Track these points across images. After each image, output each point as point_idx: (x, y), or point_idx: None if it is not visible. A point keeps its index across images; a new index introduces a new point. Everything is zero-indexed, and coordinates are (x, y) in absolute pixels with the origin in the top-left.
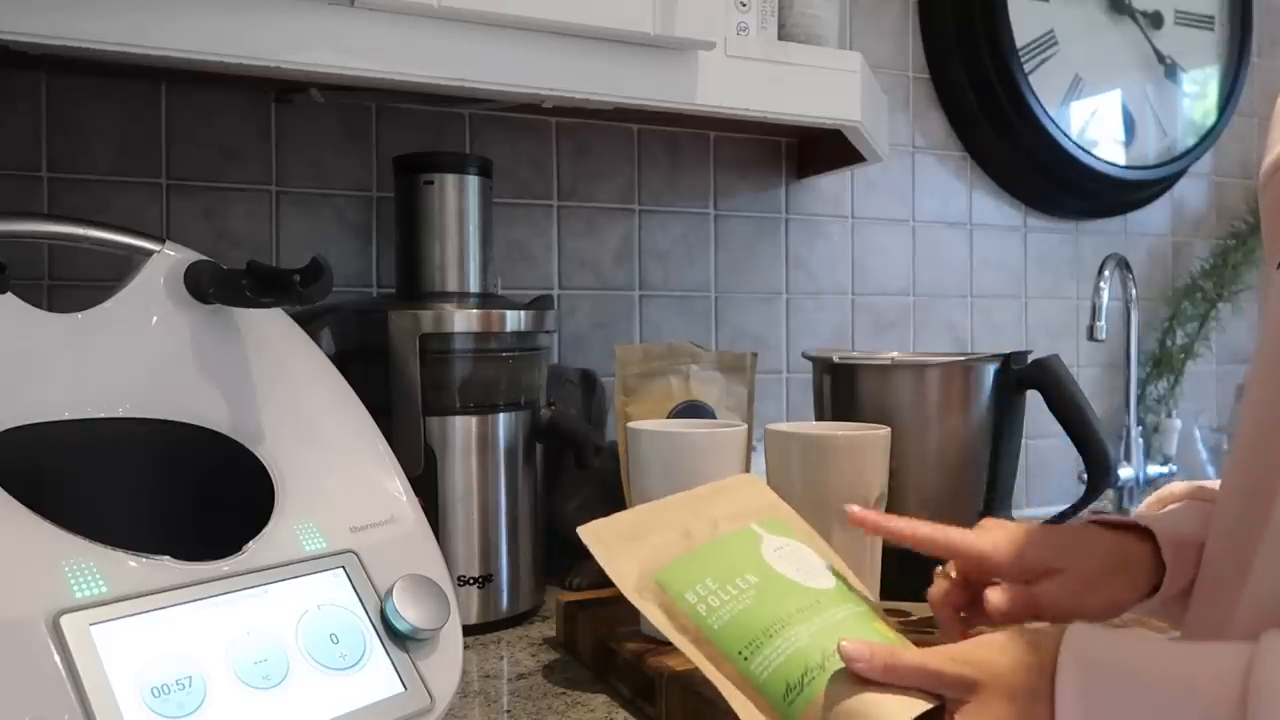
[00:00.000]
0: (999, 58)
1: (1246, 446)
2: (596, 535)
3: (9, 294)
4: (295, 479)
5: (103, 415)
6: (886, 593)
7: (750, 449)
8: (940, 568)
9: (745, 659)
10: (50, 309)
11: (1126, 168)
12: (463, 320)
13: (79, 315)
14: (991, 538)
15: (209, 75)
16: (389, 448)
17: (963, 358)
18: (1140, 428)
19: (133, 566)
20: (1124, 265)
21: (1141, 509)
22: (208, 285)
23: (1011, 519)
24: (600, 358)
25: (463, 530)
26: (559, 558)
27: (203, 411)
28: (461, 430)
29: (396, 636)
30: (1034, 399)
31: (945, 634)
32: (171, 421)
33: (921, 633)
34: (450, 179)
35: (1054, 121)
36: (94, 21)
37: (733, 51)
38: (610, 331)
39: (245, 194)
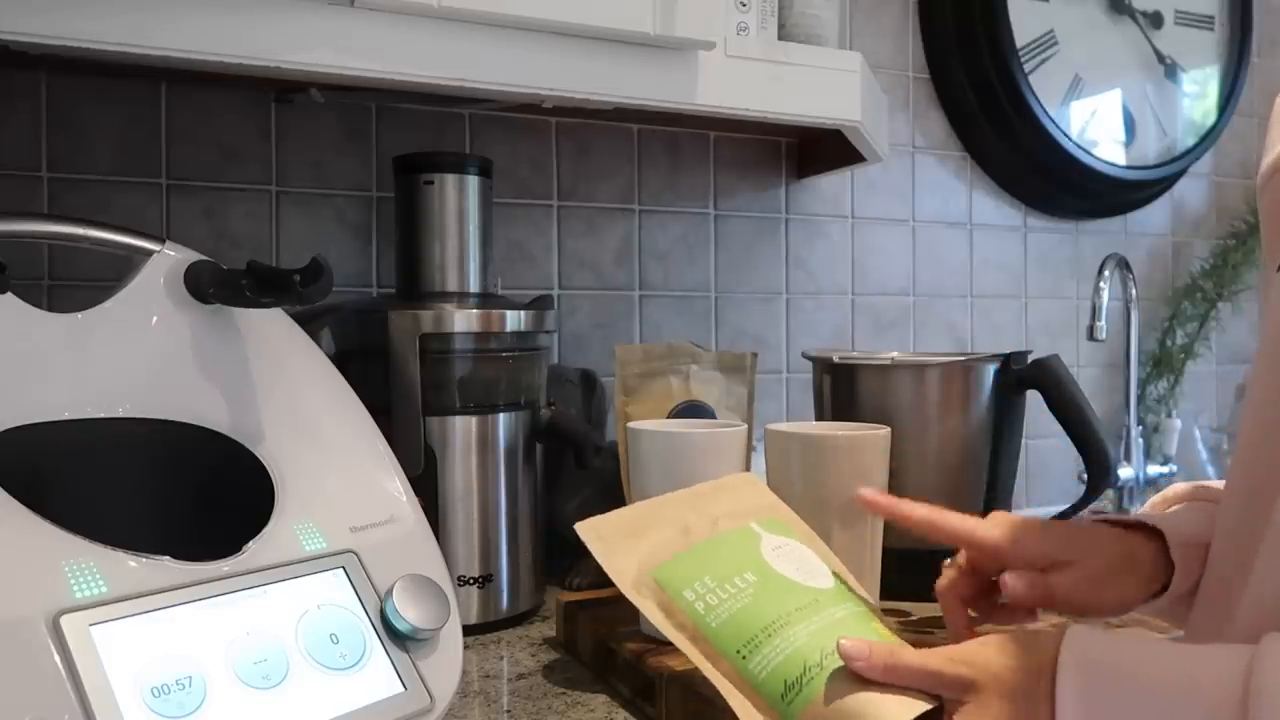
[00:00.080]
0: (999, 58)
1: (1248, 447)
2: (595, 532)
3: (9, 294)
4: (295, 479)
5: (103, 415)
6: (886, 593)
7: (750, 449)
8: (949, 559)
9: (744, 658)
10: (50, 309)
11: (1126, 168)
12: (463, 320)
13: (79, 315)
14: (1002, 529)
15: (209, 75)
16: (389, 448)
17: (963, 358)
18: (1140, 428)
19: (133, 566)
20: (1124, 265)
21: (1145, 509)
22: (208, 285)
23: None
24: (600, 358)
25: (463, 530)
26: (559, 558)
27: (203, 411)
28: (461, 430)
29: (396, 636)
30: (1034, 399)
31: (950, 622)
32: (171, 421)
33: (922, 633)
34: (450, 179)
35: (1054, 121)
36: (94, 21)
37: (733, 51)
38: (610, 331)
39: (245, 194)
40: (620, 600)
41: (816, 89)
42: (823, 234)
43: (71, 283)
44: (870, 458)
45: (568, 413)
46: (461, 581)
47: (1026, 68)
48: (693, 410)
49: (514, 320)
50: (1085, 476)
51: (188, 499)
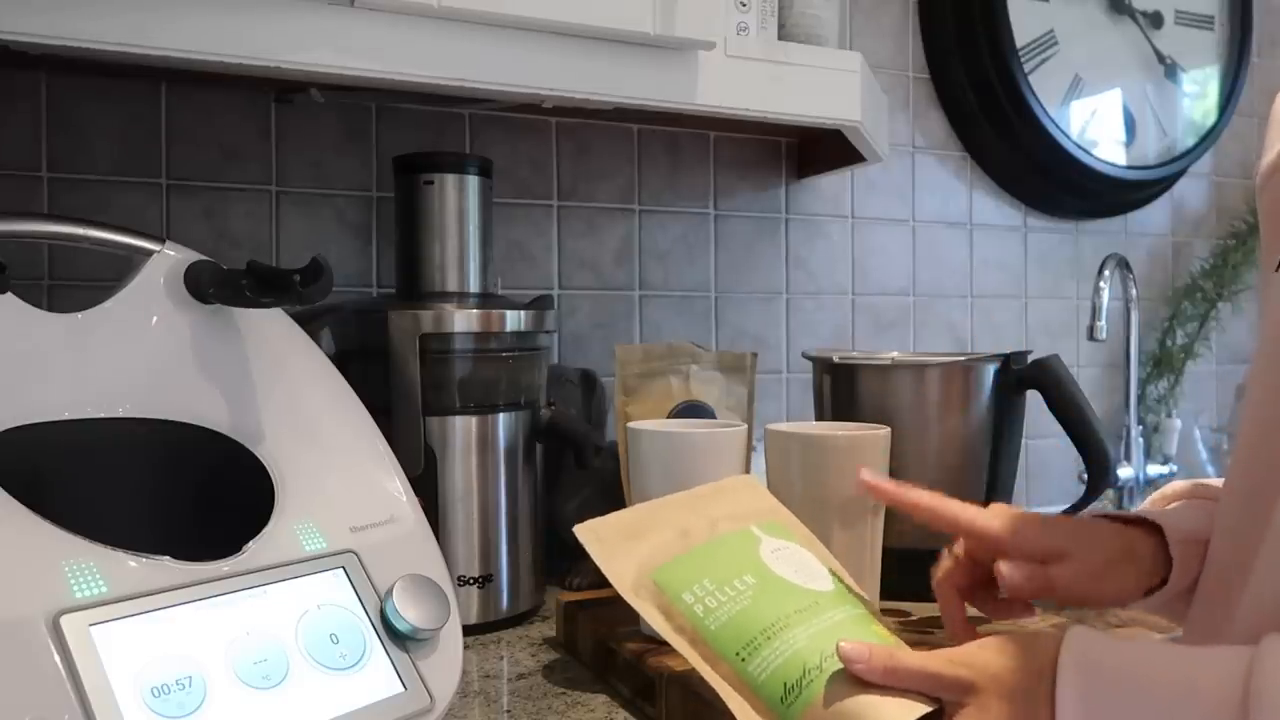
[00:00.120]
0: (999, 58)
1: (1247, 447)
2: (594, 534)
3: (9, 294)
4: (295, 479)
5: (103, 415)
6: (886, 593)
7: (750, 449)
8: (947, 548)
9: (743, 660)
10: (50, 309)
11: (1126, 168)
12: (463, 320)
13: (79, 315)
14: (1002, 519)
15: (209, 75)
16: (389, 448)
17: (963, 358)
18: (1140, 428)
19: (133, 566)
20: (1124, 265)
21: (1145, 505)
22: (208, 285)
23: None
24: (600, 358)
25: (463, 530)
26: (559, 558)
27: (203, 411)
28: (461, 430)
29: (396, 636)
30: (1034, 399)
31: (945, 614)
32: (171, 421)
33: (922, 633)
34: (450, 179)
35: (1054, 121)
36: (94, 21)
37: (733, 51)
38: (610, 331)
39: (245, 194)
40: (620, 600)
41: (816, 89)
42: (823, 234)
43: (71, 283)
44: (870, 458)
45: (568, 413)
46: (461, 581)
47: (1026, 68)
48: (693, 410)
49: (514, 320)
50: (1085, 476)
51: (188, 499)
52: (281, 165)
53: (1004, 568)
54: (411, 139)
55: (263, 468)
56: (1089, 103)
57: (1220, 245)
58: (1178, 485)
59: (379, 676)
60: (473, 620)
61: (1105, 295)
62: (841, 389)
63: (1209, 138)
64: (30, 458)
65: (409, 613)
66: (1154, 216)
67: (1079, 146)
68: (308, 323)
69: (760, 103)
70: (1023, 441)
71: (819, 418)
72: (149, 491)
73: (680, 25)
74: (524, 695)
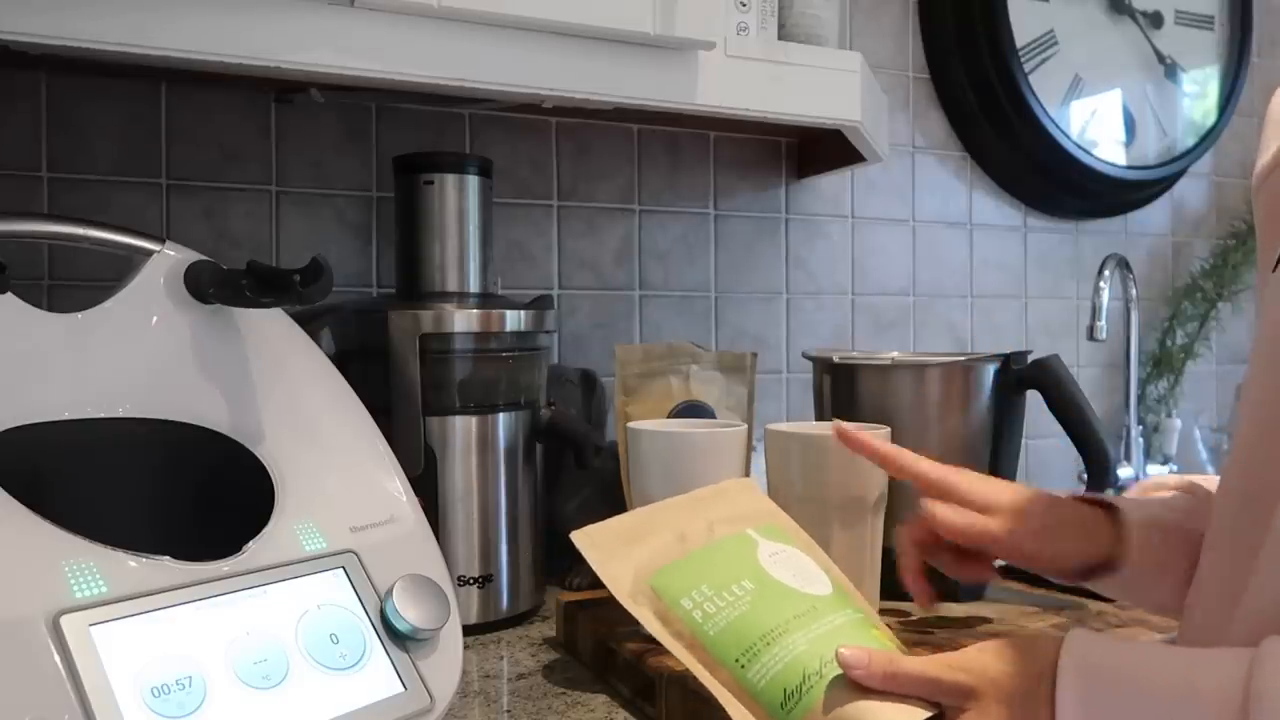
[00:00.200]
0: (999, 58)
1: (1245, 448)
2: (590, 540)
3: (9, 294)
4: (295, 479)
5: (103, 415)
6: (886, 593)
7: (750, 449)
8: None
9: (742, 666)
10: (50, 309)
11: (1126, 168)
12: (463, 320)
13: (79, 315)
14: (962, 474)
15: (209, 75)
16: (389, 448)
17: (963, 358)
18: (1140, 428)
19: (133, 566)
20: (1124, 265)
21: (1132, 493)
22: (208, 285)
23: None
24: (600, 358)
25: (463, 530)
26: (559, 558)
27: (203, 411)
28: (461, 430)
29: (396, 636)
30: (1034, 399)
31: (901, 565)
32: (171, 421)
33: (922, 633)
34: (450, 179)
35: (1054, 121)
36: (94, 21)
37: (733, 51)
38: (610, 331)
39: (245, 194)
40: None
41: (816, 89)
42: (823, 234)
43: (71, 283)
44: None
45: (568, 413)
46: (461, 581)
47: (1026, 68)
48: (693, 410)
49: (514, 320)
50: (1085, 476)
51: (188, 499)
52: (281, 165)
53: (937, 508)
54: (411, 139)
55: (263, 468)
56: (1089, 103)
57: (1220, 245)
58: (1169, 479)
59: (379, 676)
60: (473, 620)
61: (1105, 295)
62: (841, 389)
63: (1209, 138)
64: (30, 458)
65: (409, 613)
66: (1154, 216)
67: (1079, 146)
68: (308, 323)
69: (760, 103)
70: (1023, 441)
71: (819, 418)
72: (149, 491)
73: (680, 25)
74: (524, 695)
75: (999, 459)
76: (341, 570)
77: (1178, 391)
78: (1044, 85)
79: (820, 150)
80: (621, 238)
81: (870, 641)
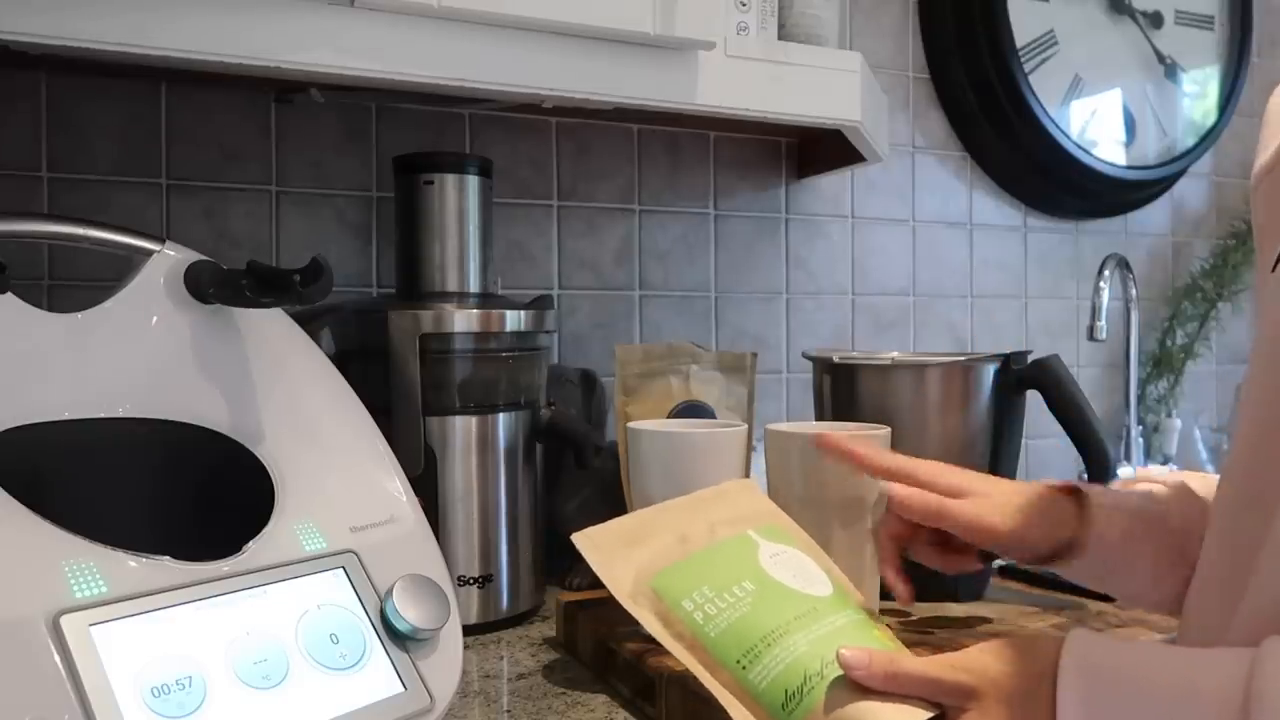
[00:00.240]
0: (999, 58)
1: (1245, 448)
2: (591, 541)
3: (9, 294)
4: (295, 479)
5: (103, 415)
6: (886, 592)
7: (750, 449)
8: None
9: (744, 668)
10: (50, 309)
11: (1126, 168)
12: (463, 320)
13: (79, 315)
14: (931, 464)
15: (209, 75)
16: (389, 448)
17: (963, 358)
18: (1140, 428)
19: (133, 566)
20: (1124, 265)
21: (1115, 485)
22: (208, 285)
23: None
24: (600, 358)
25: (463, 530)
26: (559, 558)
27: (203, 411)
28: (461, 430)
29: (396, 636)
30: (1034, 399)
31: (880, 559)
32: (171, 421)
33: (922, 633)
34: (450, 179)
35: (1054, 121)
36: (94, 21)
37: (733, 51)
38: (610, 331)
39: (245, 194)
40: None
41: (816, 89)
42: (823, 234)
43: (71, 283)
44: None
45: (568, 413)
46: (461, 581)
47: (1026, 68)
48: (693, 410)
49: (514, 320)
50: (1085, 476)
51: (188, 499)
52: (281, 165)
53: (895, 486)
54: (411, 139)
55: (263, 468)
56: (1089, 103)
57: (1220, 245)
58: (1153, 470)
59: (379, 676)
60: (473, 620)
61: (1105, 295)
62: (841, 389)
63: (1209, 138)
64: (30, 458)
65: (409, 613)
66: (1154, 216)
67: (1079, 146)
68: (308, 323)
69: (760, 103)
70: (1023, 441)
71: (819, 418)
72: (149, 491)
73: (680, 25)
74: (524, 695)
75: (999, 459)
76: (341, 570)
77: (1178, 391)
78: (1044, 85)
79: (820, 150)
80: (621, 238)
81: (871, 642)
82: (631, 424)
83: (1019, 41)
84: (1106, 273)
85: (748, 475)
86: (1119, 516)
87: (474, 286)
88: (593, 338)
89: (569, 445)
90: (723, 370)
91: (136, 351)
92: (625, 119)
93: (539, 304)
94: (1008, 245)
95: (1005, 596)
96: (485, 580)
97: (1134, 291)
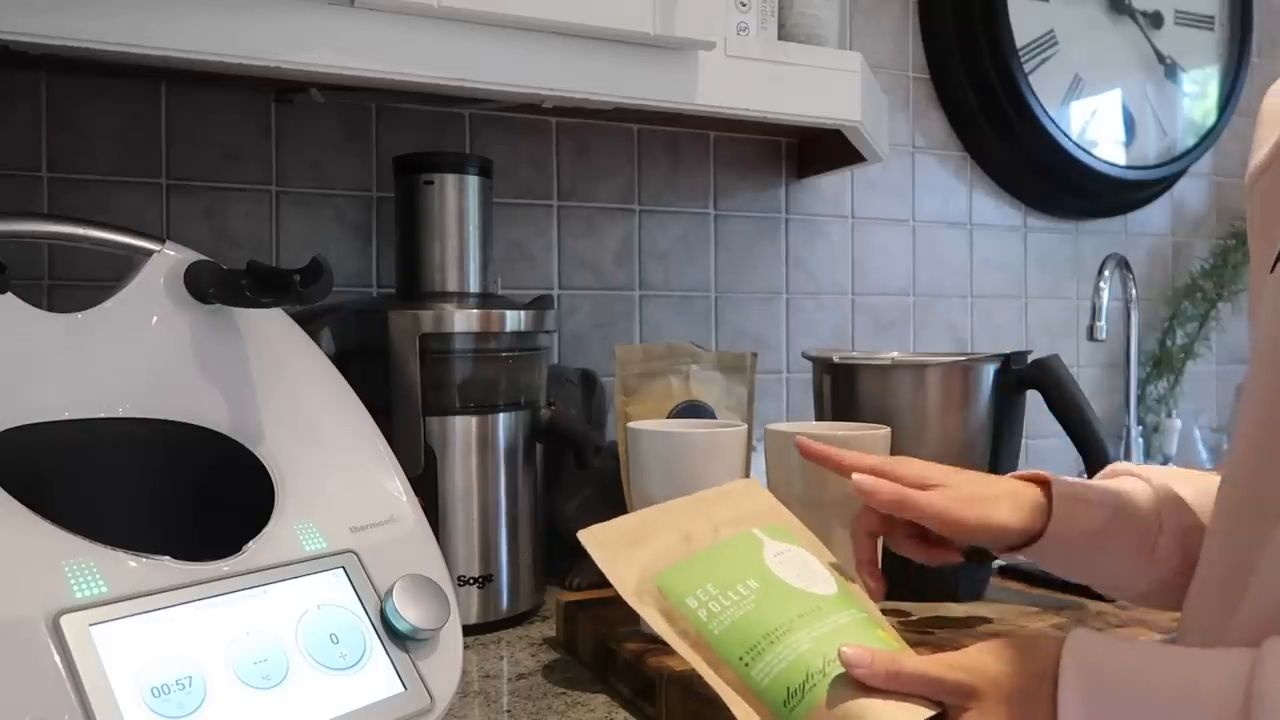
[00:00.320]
0: (999, 58)
1: (1247, 448)
2: (596, 539)
3: (9, 294)
4: (295, 479)
5: (103, 415)
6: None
7: (750, 449)
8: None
9: (746, 665)
10: (50, 309)
11: (1126, 168)
12: (463, 320)
13: (79, 315)
14: (902, 459)
15: (209, 75)
16: (389, 448)
17: (963, 358)
18: (1140, 428)
19: (133, 566)
20: (1124, 265)
21: (1100, 477)
22: (208, 285)
23: None
24: (600, 358)
25: (463, 530)
26: (559, 558)
27: (203, 411)
28: (461, 430)
29: (396, 636)
30: (1034, 399)
31: (856, 555)
32: (171, 421)
33: (922, 633)
34: (450, 179)
35: (1054, 121)
36: (94, 21)
37: (733, 51)
38: (610, 331)
39: (245, 194)
40: (620, 600)
41: (816, 89)
42: (823, 234)
43: (71, 283)
44: None
45: (568, 413)
46: (461, 581)
47: (1026, 68)
48: (693, 410)
49: (514, 320)
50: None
51: (188, 499)
52: (281, 165)
53: (862, 477)
54: (411, 139)
55: (263, 468)
56: (1089, 103)
57: (1220, 245)
58: (1136, 467)
59: (379, 676)
60: (473, 620)
61: (1105, 295)
62: (841, 389)
63: (1209, 138)
64: (30, 458)
65: (409, 613)
66: (1154, 216)
67: (1079, 146)
68: (308, 323)
69: (760, 103)
70: (1023, 441)
71: (819, 418)
72: (149, 491)
73: (680, 25)
74: (524, 695)
75: (999, 459)
76: (341, 570)
77: (1178, 391)
78: (1044, 85)
79: (820, 150)
80: (621, 238)
81: (874, 641)
82: (631, 424)
83: (1019, 41)
84: (1106, 273)
85: (748, 475)
86: (1084, 508)
87: (474, 286)
88: (593, 338)
89: (569, 445)
90: (723, 370)
91: (136, 351)
92: (625, 119)
93: (539, 304)
94: (1008, 245)
95: (1005, 596)
96: (485, 580)
97: (1134, 291)
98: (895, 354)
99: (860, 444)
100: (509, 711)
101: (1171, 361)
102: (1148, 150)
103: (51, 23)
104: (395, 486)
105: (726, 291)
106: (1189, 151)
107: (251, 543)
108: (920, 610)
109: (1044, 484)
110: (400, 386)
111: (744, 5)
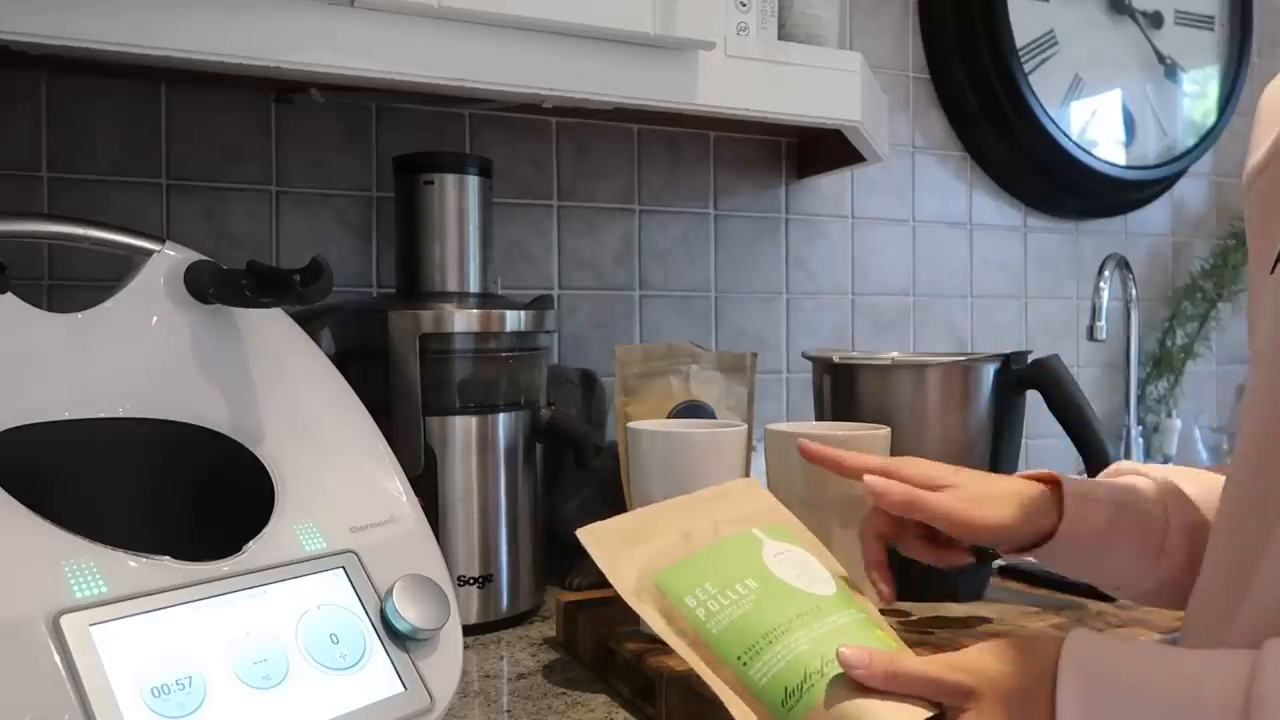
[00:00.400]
0: (999, 58)
1: (1250, 449)
2: (595, 538)
3: (9, 294)
4: (295, 479)
5: (103, 415)
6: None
7: (750, 449)
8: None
9: (744, 664)
10: (50, 309)
11: (1126, 168)
12: (463, 320)
13: (79, 315)
14: (909, 459)
15: (209, 75)
16: (389, 448)
17: (963, 358)
18: (1140, 428)
19: (133, 566)
20: (1124, 265)
21: (1103, 476)
22: (208, 285)
23: None
24: (600, 358)
25: (463, 530)
26: (559, 558)
27: (203, 411)
28: (461, 430)
29: (396, 636)
30: (1034, 399)
31: (865, 558)
32: (171, 421)
33: (922, 633)
34: (450, 179)
35: (1054, 121)
36: (94, 21)
37: (733, 51)
38: (610, 331)
39: (245, 194)
40: (620, 600)
41: (816, 89)
42: (823, 234)
43: (71, 283)
44: None
45: (568, 413)
46: (461, 581)
47: (1026, 68)
48: (693, 410)
49: (514, 320)
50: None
51: (188, 499)
52: (281, 165)
53: (871, 478)
54: (411, 139)
55: (263, 468)
56: (1089, 103)
57: (1220, 245)
58: (1142, 466)
59: (379, 676)
60: (473, 620)
61: (1105, 295)
62: (841, 389)
63: (1209, 138)
64: (30, 458)
65: (409, 613)
66: (1154, 216)
67: (1079, 146)
68: (308, 323)
69: (760, 103)
70: (1023, 441)
71: (819, 418)
72: (149, 491)
73: (680, 25)
74: (524, 695)
75: (999, 459)
76: (341, 570)
77: (1178, 391)
78: (1044, 85)
79: (820, 150)
80: (621, 238)
81: (873, 641)
82: (631, 424)
83: (1019, 41)
84: (1106, 273)
85: (748, 475)
86: (1095, 507)
87: (474, 286)
88: (593, 338)
89: (569, 445)
90: (723, 370)
91: (136, 351)
92: (625, 119)
93: (539, 304)
94: (1008, 245)
95: (1005, 596)
96: (485, 580)
97: (1134, 291)
98: (895, 354)
99: (860, 444)
100: (509, 711)
101: (1171, 361)
102: (1148, 150)
103: (51, 23)
104: (395, 486)
105: (726, 291)
106: (1189, 151)
107: (251, 543)
108: (920, 610)
109: (1051, 483)
110: (400, 386)
111: (744, 5)
